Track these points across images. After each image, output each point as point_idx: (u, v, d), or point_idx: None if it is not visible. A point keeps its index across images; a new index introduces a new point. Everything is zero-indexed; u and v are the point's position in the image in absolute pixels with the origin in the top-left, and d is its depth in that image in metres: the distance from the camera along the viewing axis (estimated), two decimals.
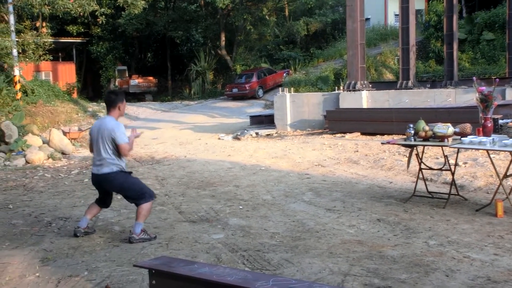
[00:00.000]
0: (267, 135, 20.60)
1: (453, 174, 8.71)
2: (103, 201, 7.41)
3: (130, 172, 7.23)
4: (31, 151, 15.59)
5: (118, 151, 6.94)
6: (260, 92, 35.24)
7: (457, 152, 9.31)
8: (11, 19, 24.06)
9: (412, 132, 8.39)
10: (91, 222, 8.07)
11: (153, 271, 4.48)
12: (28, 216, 8.70)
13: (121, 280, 5.55)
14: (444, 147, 8.87)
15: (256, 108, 31.23)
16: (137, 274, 5.66)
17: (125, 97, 7.39)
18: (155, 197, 7.25)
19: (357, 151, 14.31)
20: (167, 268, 4.43)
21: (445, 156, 8.93)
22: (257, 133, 20.75)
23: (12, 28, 24.01)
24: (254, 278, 4.06)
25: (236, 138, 20.24)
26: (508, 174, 8.17)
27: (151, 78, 42.30)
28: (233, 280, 4.02)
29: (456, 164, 9.30)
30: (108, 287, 5.34)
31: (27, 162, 15.09)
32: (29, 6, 25.19)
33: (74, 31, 40.30)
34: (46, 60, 26.28)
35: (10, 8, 23.91)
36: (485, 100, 8.19)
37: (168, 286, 4.42)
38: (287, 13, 46.77)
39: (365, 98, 19.61)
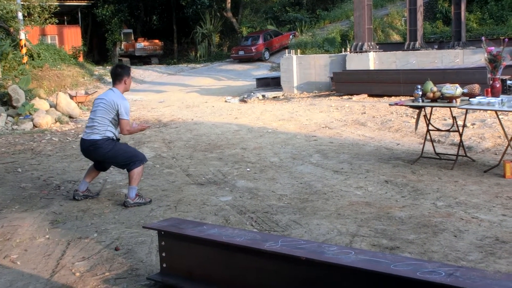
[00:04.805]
0: (274, 97, 20.54)
1: (461, 135, 8.67)
2: (100, 165, 7.40)
3: (118, 139, 7.19)
4: (39, 115, 15.61)
5: (115, 122, 6.94)
6: (267, 54, 35.07)
7: (465, 113, 9.28)
8: None
9: (420, 93, 8.35)
10: (99, 185, 8.13)
11: (163, 232, 4.51)
12: (37, 179, 8.75)
13: (131, 242, 5.59)
14: (452, 108, 8.84)
15: (262, 70, 31.09)
16: (146, 235, 5.70)
17: (131, 71, 7.37)
18: (146, 160, 7.23)
19: (364, 113, 14.27)
20: (177, 229, 4.46)
21: (453, 117, 8.88)
22: (263, 96, 20.69)
23: None
24: (263, 239, 4.08)
25: (243, 100, 20.20)
26: None
27: (157, 41, 42.16)
28: (243, 241, 4.05)
29: (464, 125, 9.27)
30: (117, 249, 5.38)
31: (34, 126, 15.12)
32: None
33: None
34: (52, 24, 26.11)
35: None
36: (494, 61, 8.13)
37: (178, 247, 4.46)
38: None
39: (372, 60, 19.48)
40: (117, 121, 6.96)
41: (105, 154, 6.96)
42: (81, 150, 7.24)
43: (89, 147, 6.99)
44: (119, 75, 7.08)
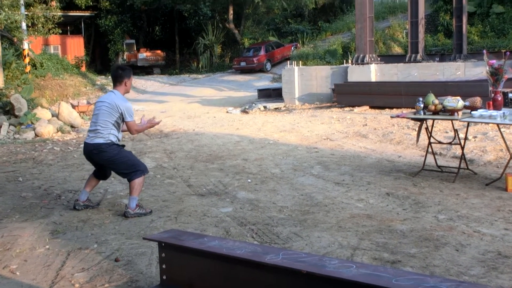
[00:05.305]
0: (275, 108, 20.55)
1: (462, 148, 8.66)
2: (100, 173, 7.38)
3: (123, 146, 7.19)
4: (40, 124, 15.62)
5: (118, 125, 6.93)
6: (268, 65, 35.13)
7: (467, 126, 9.26)
8: None
9: (422, 105, 8.34)
10: (100, 195, 8.12)
11: (163, 244, 4.49)
12: (37, 189, 8.73)
13: (131, 253, 5.57)
14: (454, 121, 8.83)
15: (264, 81, 31.13)
16: (146, 247, 5.68)
17: (132, 73, 7.34)
18: (147, 171, 7.20)
19: (366, 125, 14.26)
20: (177, 241, 4.43)
21: (455, 130, 8.88)
22: (265, 107, 20.70)
23: (22, 1, 23.94)
24: (264, 252, 4.06)
25: (244, 111, 20.20)
26: None
27: (159, 51, 42.25)
28: (243, 253, 4.02)
29: (465, 138, 9.26)
30: (118, 260, 5.36)
31: (36, 135, 15.13)
32: None
33: (83, 4, 39.98)
34: (55, 34, 26.25)
35: None
36: (495, 74, 8.13)
37: (178, 259, 4.43)
38: None
39: (374, 72, 19.50)
40: (119, 124, 6.95)
41: (108, 159, 6.93)
42: (84, 154, 7.20)
43: (92, 151, 6.95)
44: (119, 77, 7.05)
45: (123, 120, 6.95)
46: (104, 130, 6.85)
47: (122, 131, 7.13)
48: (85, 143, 7.07)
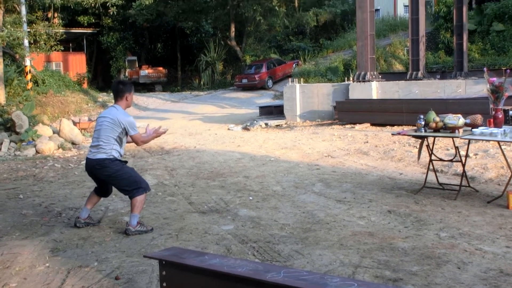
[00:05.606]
0: (277, 125, 20.56)
1: (463, 165, 8.65)
2: (102, 190, 7.35)
3: (126, 162, 7.18)
4: (41, 141, 15.62)
5: (120, 140, 6.92)
6: (270, 82, 35.20)
7: (468, 143, 9.25)
8: (23, 9, 24.09)
9: (423, 123, 8.35)
10: (101, 213, 8.10)
11: (164, 262, 4.48)
12: (38, 206, 8.72)
13: (131, 271, 5.54)
14: (454, 138, 8.82)
15: (265, 98, 31.17)
16: (147, 265, 5.66)
17: (133, 88, 7.33)
18: (149, 189, 7.17)
19: (367, 142, 14.25)
20: (178, 259, 4.42)
21: (456, 147, 8.87)
22: (266, 124, 20.71)
23: (24, 18, 24.05)
24: (265, 270, 4.05)
25: (246, 128, 20.22)
26: None
27: (161, 68, 42.40)
28: (244, 271, 4.01)
29: (467, 156, 9.24)
30: (118, 278, 5.34)
31: (37, 152, 15.13)
32: None
33: (85, 21, 40.35)
34: (57, 51, 26.35)
35: None
36: (496, 91, 8.14)
37: (179, 277, 4.42)
38: (296, 3, 46.17)
39: (375, 89, 19.52)
40: (122, 139, 6.94)
41: (111, 175, 6.91)
42: (86, 170, 7.17)
43: (95, 166, 6.92)
44: (120, 92, 7.05)
45: (126, 135, 6.95)
46: (107, 145, 6.84)
47: (128, 142, 7.13)
48: (87, 159, 7.05)
